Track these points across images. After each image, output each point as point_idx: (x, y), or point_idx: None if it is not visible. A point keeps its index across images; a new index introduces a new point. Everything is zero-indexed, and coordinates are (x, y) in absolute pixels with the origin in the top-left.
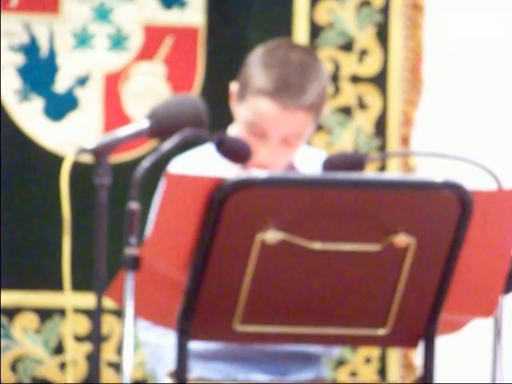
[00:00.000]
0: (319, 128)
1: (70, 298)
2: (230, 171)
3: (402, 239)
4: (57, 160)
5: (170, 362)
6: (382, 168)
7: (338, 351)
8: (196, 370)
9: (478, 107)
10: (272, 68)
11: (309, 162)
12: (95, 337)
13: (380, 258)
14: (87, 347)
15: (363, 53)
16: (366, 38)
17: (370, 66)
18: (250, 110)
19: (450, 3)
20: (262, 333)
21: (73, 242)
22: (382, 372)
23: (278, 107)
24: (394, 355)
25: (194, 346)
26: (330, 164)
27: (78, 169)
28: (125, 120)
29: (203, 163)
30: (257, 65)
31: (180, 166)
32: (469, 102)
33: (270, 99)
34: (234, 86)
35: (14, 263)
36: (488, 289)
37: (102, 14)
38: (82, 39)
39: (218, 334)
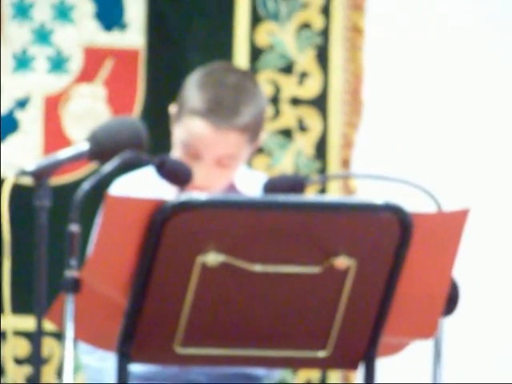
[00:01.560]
0: (259, 150)
1: (10, 321)
2: (169, 193)
3: (342, 261)
4: None
5: None
6: (323, 190)
7: (279, 373)
8: None
9: (418, 129)
10: (207, 89)
11: (250, 184)
12: (35, 360)
13: (320, 280)
14: (27, 370)
15: (303, 75)
16: (306, 60)
17: (310, 89)
18: (184, 130)
19: (390, 26)
20: (203, 355)
21: (13, 265)
22: None
23: (210, 127)
24: (335, 377)
25: (135, 368)
26: (271, 186)
27: (17, 191)
28: (65, 142)
29: (143, 185)
30: (193, 86)
31: (120, 187)
32: (409, 124)
33: (202, 119)
34: (172, 109)
35: None
36: (428, 311)
37: (42, 36)
38: (22, 61)
39: (159, 357)
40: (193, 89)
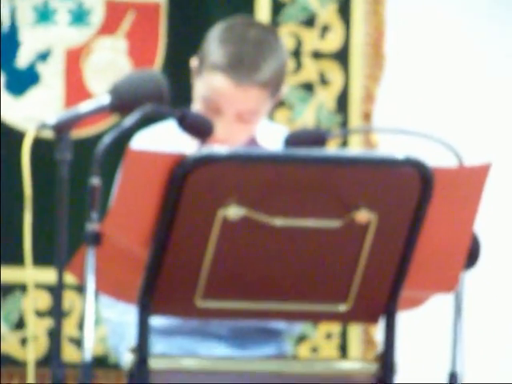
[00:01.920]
0: (281, 104)
1: (31, 274)
2: (191, 147)
3: (363, 215)
4: (18, 135)
5: (131, 340)
6: (344, 144)
7: (299, 328)
8: (158, 346)
9: (441, 83)
10: (228, 44)
11: (271, 137)
12: (56, 312)
13: (341, 234)
14: (48, 323)
15: (325, 28)
16: (327, 13)
17: (332, 42)
18: (205, 85)
19: None
20: (223, 308)
21: (34, 218)
22: (343, 348)
23: (231, 83)
24: (355, 331)
25: (156, 322)
26: (292, 140)
27: (39, 144)
28: (86, 95)
29: (164, 139)
30: (214, 41)
31: (141, 141)
32: (431, 78)
33: (224, 75)
34: (193, 62)
35: None
36: (449, 264)
37: None
38: (44, 14)
39: (179, 310)
40: (214, 43)
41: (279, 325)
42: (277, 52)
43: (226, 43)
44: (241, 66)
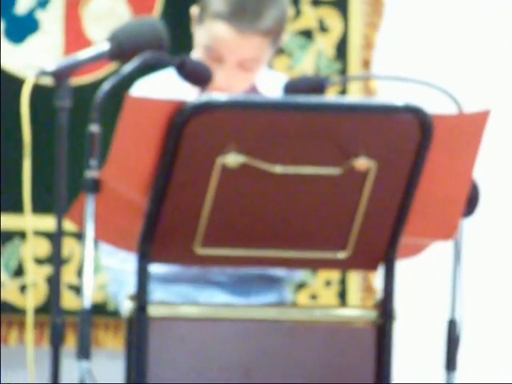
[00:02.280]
0: (280, 51)
1: (30, 220)
2: (190, 95)
3: (362, 163)
4: (18, 82)
5: (131, 287)
6: (343, 92)
7: (300, 275)
8: (157, 294)
9: (440, 30)
10: None
11: (271, 85)
12: (55, 259)
13: (340, 181)
14: (47, 270)
15: None
16: None
17: None
18: (206, 33)
19: None
20: (223, 255)
21: (33, 165)
22: (342, 295)
23: (233, 31)
24: (354, 278)
25: (156, 269)
26: (291, 87)
27: (38, 91)
28: (85, 43)
29: (164, 87)
30: None
31: (141, 89)
32: (430, 25)
33: (225, 23)
34: (194, 10)
35: None
36: (448, 212)
37: None
38: None
39: (179, 257)
40: None
41: (280, 272)
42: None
43: None
44: (243, 14)
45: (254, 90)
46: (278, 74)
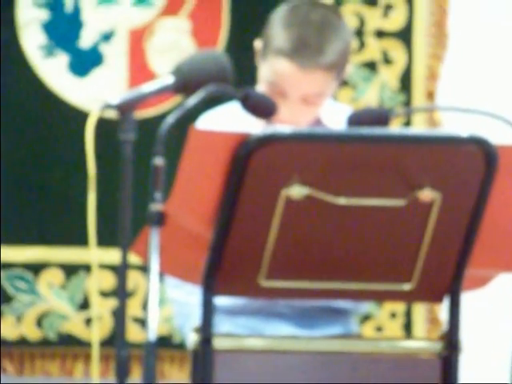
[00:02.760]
0: (344, 83)
1: (95, 254)
2: (255, 128)
3: (427, 194)
4: (82, 116)
5: (197, 320)
6: (407, 123)
7: (366, 307)
8: (223, 326)
9: (504, 61)
10: (291, 27)
11: (336, 117)
12: (121, 292)
13: (405, 212)
14: (112, 303)
15: (388, 7)
16: None
17: (395, 21)
18: (269, 69)
19: None
20: (288, 288)
21: (98, 198)
22: (408, 327)
23: (295, 68)
24: (420, 310)
25: (221, 301)
26: (355, 119)
27: (103, 124)
28: (149, 76)
29: (229, 120)
30: (277, 24)
31: (206, 122)
32: (494, 56)
33: (288, 59)
34: (257, 44)
35: (40, 219)
36: None
37: None
38: None
39: (244, 289)
40: (277, 27)
41: (345, 304)
42: (340, 33)
43: (289, 26)
44: (304, 49)
45: (318, 122)
46: (342, 106)
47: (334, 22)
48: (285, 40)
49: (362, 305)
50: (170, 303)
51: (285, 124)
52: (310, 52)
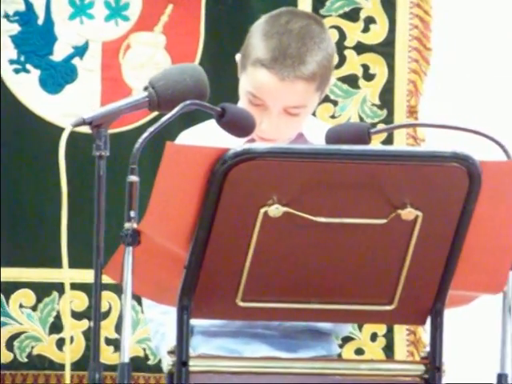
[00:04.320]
0: (324, 98)
1: (67, 275)
2: (234, 144)
3: (409, 213)
4: (55, 131)
5: (172, 341)
6: (389, 140)
7: (348, 329)
8: (199, 348)
9: (488, 77)
10: (271, 37)
11: (318, 133)
12: (95, 314)
13: (386, 231)
14: (85, 324)
15: (369, 21)
16: (371, 5)
17: (376, 35)
18: (249, 80)
19: None
20: (266, 309)
21: (71, 216)
22: (389, 348)
23: (275, 78)
24: (401, 331)
25: (197, 322)
26: (335, 135)
27: (76, 140)
28: (125, 90)
29: (209, 136)
30: (257, 34)
31: (185, 138)
32: (478, 72)
33: (267, 70)
34: (238, 57)
35: (11, 239)
36: (497, 264)
37: None
38: (80, 8)
39: (221, 311)
40: (257, 37)
41: (326, 326)
42: (322, 43)
43: (268, 37)
44: (284, 59)
45: (301, 138)
46: (323, 123)
47: (316, 31)
48: (264, 50)
49: (344, 326)
50: (147, 323)
51: (266, 137)
52: (290, 62)
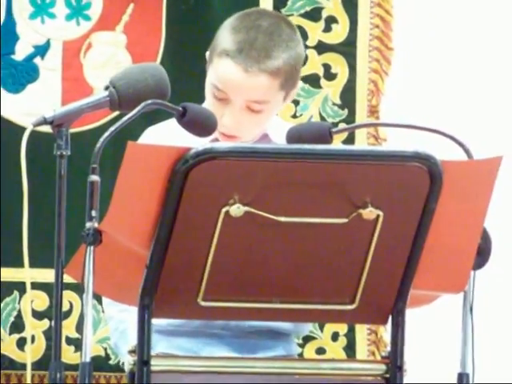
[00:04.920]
0: None
1: (28, 274)
2: (196, 143)
3: (370, 212)
4: (16, 130)
5: (132, 339)
6: (350, 139)
7: (308, 328)
8: (156, 347)
9: (449, 76)
10: (239, 31)
11: (282, 134)
12: (56, 313)
13: (347, 230)
14: (46, 323)
15: (330, 21)
16: (332, 5)
17: (337, 35)
18: (214, 73)
19: None
20: (227, 308)
21: (32, 215)
22: (350, 348)
23: (240, 69)
24: (362, 331)
25: (157, 321)
26: (296, 135)
27: (37, 139)
28: (86, 90)
29: (172, 134)
30: (226, 29)
31: (148, 137)
32: (440, 71)
33: (232, 60)
34: (207, 54)
35: None
36: (458, 263)
37: None
38: (40, 7)
39: (182, 311)
40: (225, 31)
41: (286, 326)
42: (291, 42)
43: (236, 30)
44: (250, 51)
45: (266, 138)
46: (285, 123)
47: (286, 30)
48: (231, 42)
49: (304, 326)
50: (107, 321)
51: (228, 132)
52: (255, 54)
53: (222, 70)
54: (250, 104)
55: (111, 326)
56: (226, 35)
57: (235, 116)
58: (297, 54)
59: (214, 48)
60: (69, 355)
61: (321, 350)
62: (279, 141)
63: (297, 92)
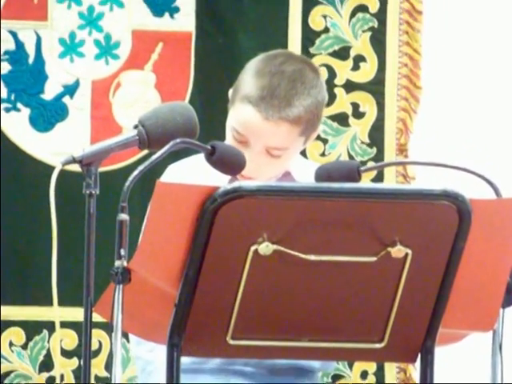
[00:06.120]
0: None
1: (57, 313)
2: (221, 181)
3: (399, 251)
4: (45, 169)
5: (161, 378)
6: (379, 178)
7: (334, 365)
8: None
9: (478, 115)
10: (263, 76)
11: (307, 173)
12: (85, 352)
13: (376, 269)
14: (75, 362)
15: (358, 59)
16: (361, 44)
17: (366, 73)
18: (235, 116)
19: (450, 8)
20: (256, 347)
21: (61, 253)
22: None
23: (260, 117)
24: (391, 369)
25: (184, 358)
26: (324, 173)
27: (66, 178)
28: (115, 129)
29: (196, 172)
30: (250, 71)
31: (172, 174)
32: (468, 110)
33: (253, 107)
34: (230, 92)
35: (1, 277)
36: (487, 302)
37: (91, 20)
38: (70, 46)
39: (211, 349)
40: (249, 74)
41: (314, 363)
42: (313, 89)
43: (260, 75)
44: (272, 99)
45: (289, 176)
46: (311, 162)
47: (309, 76)
48: (253, 87)
49: (330, 363)
50: (134, 360)
51: (247, 175)
52: (277, 103)
53: (243, 116)
54: (269, 149)
55: (139, 366)
56: (249, 79)
57: (254, 159)
58: (318, 101)
59: (236, 90)
60: None
61: None
62: (302, 179)
63: (326, 131)
